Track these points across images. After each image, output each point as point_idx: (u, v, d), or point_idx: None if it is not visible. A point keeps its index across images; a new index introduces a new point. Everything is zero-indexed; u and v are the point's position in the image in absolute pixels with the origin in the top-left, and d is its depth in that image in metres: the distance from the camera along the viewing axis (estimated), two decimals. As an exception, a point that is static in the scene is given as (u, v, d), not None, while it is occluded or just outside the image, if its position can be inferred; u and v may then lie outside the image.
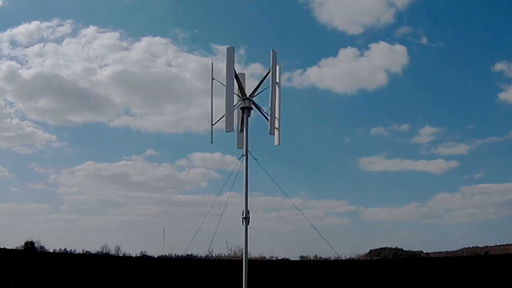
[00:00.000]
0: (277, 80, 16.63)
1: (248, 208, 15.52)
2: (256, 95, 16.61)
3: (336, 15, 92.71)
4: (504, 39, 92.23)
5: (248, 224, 15.44)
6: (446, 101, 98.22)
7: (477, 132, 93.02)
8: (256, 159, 15.94)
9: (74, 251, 56.22)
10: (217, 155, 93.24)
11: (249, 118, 16.50)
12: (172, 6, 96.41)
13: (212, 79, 16.61)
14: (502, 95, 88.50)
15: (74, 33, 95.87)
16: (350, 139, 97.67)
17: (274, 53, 16.37)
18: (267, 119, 16.37)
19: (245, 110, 16.38)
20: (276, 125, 16.23)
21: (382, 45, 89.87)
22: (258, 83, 16.73)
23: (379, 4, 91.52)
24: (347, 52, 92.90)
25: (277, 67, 16.76)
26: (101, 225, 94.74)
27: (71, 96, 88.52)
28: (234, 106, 16.31)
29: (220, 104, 16.32)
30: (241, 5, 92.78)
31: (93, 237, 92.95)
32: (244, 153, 15.91)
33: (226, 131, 15.81)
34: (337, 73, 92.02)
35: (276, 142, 16.34)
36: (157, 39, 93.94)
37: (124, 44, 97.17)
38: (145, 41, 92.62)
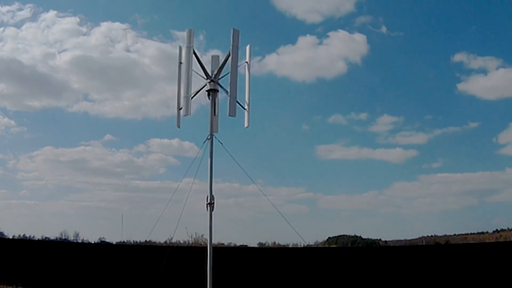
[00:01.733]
0: (247, 60, 16.61)
1: (213, 194, 15.41)
2: (222, 77, 16.42)
3: (296, 3, 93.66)
4: (464, 30, 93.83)
5: (213, 210, 15.36)
6: (405, 91, 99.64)
7: (436, 122, 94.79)
8: (221, 143, 15.85)
9: (34, 237, 56.02)
10: (175, 141, 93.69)
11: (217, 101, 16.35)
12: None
13: (180, 63, 16.36)
14: (461, 86, 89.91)
15: (34, 18, 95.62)
16: (309, 126, 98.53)
17: (236, 32, 16.18)
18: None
19: (211, 93, 16.21)
20: (246, 107, 16.08)
21: (342, 33, 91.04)
22: (220, 65, 16.52)
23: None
24: (306, 40, 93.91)
25: (248, 47, 16.79)
26: (60, 211, 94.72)
27: (30, 81, 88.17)
28: (201, 89, 16.33)
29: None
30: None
31: (52, 223, 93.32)
32: (209, 137, 15.76)
33: (184, 115, 15.86)
34: (296, 61, 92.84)
35: (246, 124, 16.17)
36: (116, 24, 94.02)
37: (84, 29, 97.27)
38: (104, 26, 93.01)
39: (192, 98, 16.05)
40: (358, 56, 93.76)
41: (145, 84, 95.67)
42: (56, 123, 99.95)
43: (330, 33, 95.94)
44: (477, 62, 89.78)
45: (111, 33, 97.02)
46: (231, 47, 16.05)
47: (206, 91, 16.32)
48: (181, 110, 16.04)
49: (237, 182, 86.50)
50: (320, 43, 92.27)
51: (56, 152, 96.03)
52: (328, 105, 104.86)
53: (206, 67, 16.41)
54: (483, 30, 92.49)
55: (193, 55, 16.12)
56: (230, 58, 15.96)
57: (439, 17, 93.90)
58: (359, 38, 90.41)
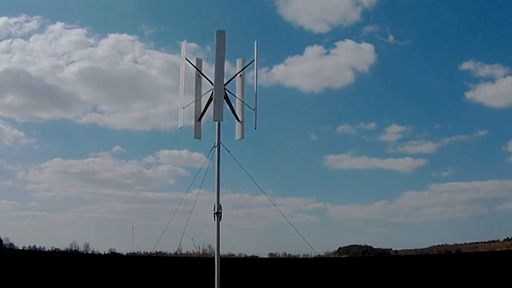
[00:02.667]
0: (254, 57, 16.43)
1: (220, 203, 15.20)
2: (228, 81, 16.17)
3: (302, 13, 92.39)
4: (471, 38, 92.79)
5: (220, 219, 15.15)
6: (413, 100, 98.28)
7: (445, 130, 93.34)
8: (228, 151, 15.58)
9: (44, 248, 55.77)
10: (184, 152, 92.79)
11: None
12: (139, 2, 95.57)
13: (185, 59, 16.30)
14: (469, 94, 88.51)
15: (41, 29, 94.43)
16: (317, 137, 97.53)
17: (220, 34, 15.86)
18: (233, 112, 16.27)
19: None
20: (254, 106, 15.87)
21: (349, 43, 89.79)
22: (236, 73, 16.48)
23: (346, 2, 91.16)
24: (313, 50, 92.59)
25: (255, 43, 16.66)
26: (69, 222, 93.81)
27: (38, 93, 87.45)
28: (205, 93, 16.15)
29: (190, 92, 16.36)
30: (207, 2, 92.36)
31: (62, 234, 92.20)
32: (216, 144, 15.51)
33: (214, 120, 15.54)
34: (304, 71, 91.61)
35: (253, 125, 15.90)
36: (124, 35, 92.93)
37: (91, 40, 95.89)
38: (112, 37, 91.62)
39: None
40: (365, 65, 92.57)
41: (154, 95, 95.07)
42: (65, 135, 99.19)
43: (337, 43, 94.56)
44: (484, 70, 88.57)
45: (118, 44, 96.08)
46: (255, 60, 16.10)
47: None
48: (198, 121, 16.00)
49: (247, 193, 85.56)
50: (328, 53, 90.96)
51: (65, 164, 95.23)
52: (337, 115, 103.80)
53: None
54: (490, 37, 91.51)
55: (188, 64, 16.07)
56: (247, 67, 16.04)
57: (446, 25, 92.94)
58: (367, 48, 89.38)
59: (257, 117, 15.90)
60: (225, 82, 15.97)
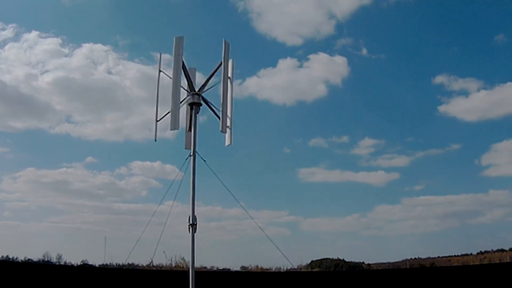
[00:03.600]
0: (229, 75, 16.16)
1: (195, 214, 14.84)
2: (206, 90, 15.97)
3: (276, 25, 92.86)
4: (444, 52, 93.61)
5: (195, 231, 14.76)
6: (386, 113, 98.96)
7: (418, 144, 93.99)
8: (204, 160, 15.26)
9: (16, 258, 55.40)
10: (157, 164, 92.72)
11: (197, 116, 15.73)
12: (113, 12, 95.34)
13: (160, 71, 15.83)
14: (442, 108, 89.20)
15: (16, 38, 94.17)
16: (290, 150, 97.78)
17: (227, 44, 15.78)
18: (218, 117, 15.78)
19: (194, 107, 15.65)
20: (228, 124, 15.65)
21: (322, 56, 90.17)
22: (207, 77, 16.09)
23: (319, 15, 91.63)
24: (286, 63, 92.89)
25: (230, 61, 16.32)
26: (42, 232, 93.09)
27: (13, 102, 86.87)
28: (182, 102, 15.55)
29: (165, 103, 15.61)
30: (181, 14, 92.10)
31: (35, 244, 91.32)
32: (191, 153, 15.20)
33: (172, 129, 14.99)
34: (276, 84, 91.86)
35: (227, 142, 15.81)
36: (98, 45, 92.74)
37: (66, 50, 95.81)
38: (86, 47, 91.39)
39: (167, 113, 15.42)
40: (339, 78, 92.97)
41: (127, 106, 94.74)
42: (38, 144, 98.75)
43: (310, 56, 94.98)
44: (458, 84, 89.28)
45: (92, 54, 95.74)
46: (222, 59, 15.67)
47: (189, 104, 15.87)
48: (170, 124, 15.18)
49: (219, 205, 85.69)
50: (301, 66, 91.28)
51: (39, 174, 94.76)
52: (309, 128, 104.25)
53: (192, 79, 15.98)
54: (464, 51, 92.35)
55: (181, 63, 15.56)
56: (222, 70, 15.62)
57: (420, 39, 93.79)
58: (340, 61, 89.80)
59: (232, 132, 15.81)
60: (198, 89, 15.87)
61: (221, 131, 15.41)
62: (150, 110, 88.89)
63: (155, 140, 15.64)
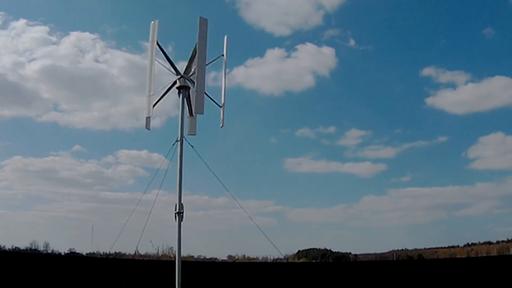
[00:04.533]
0: (223, 53, 16.08)
1: (182, 202, 14.42)
2: (192, 74, 15.32)
3: (264, 16, 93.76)
4: (432, 45, 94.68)
5: (181, 220, 14.35)
6: (373, 105, 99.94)
7: (405, 136, 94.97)
8: (192, 146, 14.84)
9: (4, 246, 55.34)
10: (144, 153, 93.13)
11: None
12: (101, 1, 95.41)
13: (157, 43, 15.19)
14: (429, 100, 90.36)
15: (4, 25, 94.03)
16: (277, 140, 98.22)
17: (203, 21, 15.13)
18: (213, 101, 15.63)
19: (182, 90, 15.22)
20: (221, 103, 15.59)
21: (310, 46, 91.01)
22: (189, 59, 15.62)
23: (308, 6, 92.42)
24: (274, 53, 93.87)
25: (225, 38, 16.32)
26: (30, 221, 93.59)
27: (0, 90, 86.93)
28: (171, 85, 15.38)
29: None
30: (168, 3, 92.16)
31: (22, 233, 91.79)
32: (178, 138, 14.68)
33: (196, 113, 15.14)
34: (264, 74, 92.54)
35: (221, 124, 15.67)
36: (86, 34, 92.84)
37: (53, 38, 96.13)
38: (74, 35, 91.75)
39: (162, 96, 15.42)
40: (326, 69, 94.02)
41: (114, 95, 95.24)
42: (25, 133, 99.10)
43: (298, 46, 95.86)
44: (445, 76, 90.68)
45: (80, 42, 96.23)
46: (197, 37, 15.07)
47: (177, 88, 15.41)
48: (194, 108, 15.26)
49: (206, 195, 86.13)
50: (288, 56, 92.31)
51: (25, 162, 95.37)
52: (296, 119, 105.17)
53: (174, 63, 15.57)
54: (452, 44, 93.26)
55: (159, 49, 15.23)
56: (197, 49, 14.94)
57: (408, 31, 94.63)
58: (327, 51, 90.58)
59: (224, 114, 15.63)
60: (183, 72, 15.52)
61: (195, 112, 15.29)
62: (137, 99, 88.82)
63: (148, 129, 15.53)
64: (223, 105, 15.61)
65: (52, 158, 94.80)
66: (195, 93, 14.69)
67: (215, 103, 15.65)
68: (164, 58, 15.58)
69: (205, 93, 14.91)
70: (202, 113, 14.66)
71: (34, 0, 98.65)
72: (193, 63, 15.37)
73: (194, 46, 15.22)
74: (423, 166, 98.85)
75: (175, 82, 15.36)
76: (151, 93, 14.90)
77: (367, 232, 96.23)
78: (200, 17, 15.06)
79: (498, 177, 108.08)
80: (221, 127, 15.64)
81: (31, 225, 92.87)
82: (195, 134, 15.70)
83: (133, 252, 29.41)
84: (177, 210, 14.38)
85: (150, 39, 15.21)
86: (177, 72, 15.37)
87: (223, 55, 16.03)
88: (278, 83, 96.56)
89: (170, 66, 15.51)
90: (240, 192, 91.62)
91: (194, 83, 15.15)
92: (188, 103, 15.60)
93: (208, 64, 15.59)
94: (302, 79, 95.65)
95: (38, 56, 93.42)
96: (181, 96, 15.21)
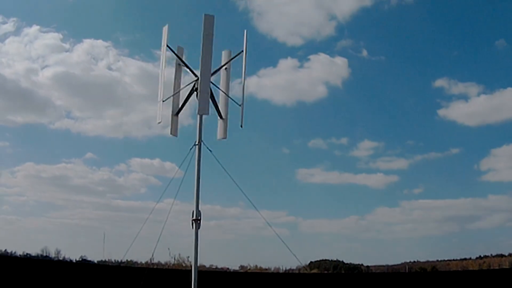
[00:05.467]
0: (243, 48, 15.51)
1: (200, 209, 14.17)
2: (214, 73, 15.02)
3: (277, 26, 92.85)
4: (445, 56, 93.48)
5: (199, 227, 14.07)
6: (386, 116, 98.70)
7: (417, 147, 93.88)
8: (210, 150, 14.47)
9: (15, 252, 55.33)
10: (156, 161, 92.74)
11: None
12: (115, 9, 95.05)
13: (167, 46, 15.02)
14: (441, 112, 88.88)
15: (17, 32, 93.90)
16: (289, 150, 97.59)
17: (208, 19, 14.70)
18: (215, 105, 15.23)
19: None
20: (240, 101, 15.15)
21: (323, 57, 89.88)
22: (220, 65, 15.51)
23: (320, 16, 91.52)
24: (287, 63, 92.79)
25: (245, 32, 15.80)
26: (41, 227, 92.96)
27: (13, 96, 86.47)
28: (186, 85, 15.03)
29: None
30: (182, 12, 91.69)
31: (34, 239, 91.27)
32: (197, 142, 14.33)
33: (199, 113, 14.32)
34: (277, 84, 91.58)
35: (240, 124, 15.05)
36: (99, 41, 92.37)
37: (66, 45, 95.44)
38: (87, 43, 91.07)
39: (182, 105, 15.06)
40: (339, 80, 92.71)
41: (127, 103, 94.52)
42: (38, 139, 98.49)
43: (310, 56, 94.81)
44: (458, 88, 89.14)
45: (93, 50, 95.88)
46: (202, 35, 14.61)
47: (195, 90, 14.89)
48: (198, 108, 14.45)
49: (219, 205, 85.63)
50: (301, 66, 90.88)
51: (38, 168, 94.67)
52: (309, 129, 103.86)
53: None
54: (464, 56, 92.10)
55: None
56: (201, 49, 14.44)
57: (420, 42, 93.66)
58: (340, 62, 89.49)
59: (243, 114, 15.13)
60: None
61: (199, 112, 14.58)
62: (150, 108, 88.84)
63: (159, 122, 15.02)
64: (243, 104, 15.19)
65: (64, 165, 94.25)
66: (200, 93, 14.40)
67: (235, 102, 15.33)
68: (180, 62, 15.43)
69: (226, 94, 15.02)
70: (207, 114, 14.39)
71: (47, 7, 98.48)
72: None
73: (232, 56, 15.35)
74: (435, 178, 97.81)
75: (194, 86, 14.95)
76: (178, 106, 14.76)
77: (379, 244, 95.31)
78: (205, 15, 14.77)
79: (511, 189, 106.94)
80: (241, 127, 15.12)
81: (42, 231, 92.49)
82: (225, 138, 15.37)
83: (145, 261, 29.44)
84: (195, 217, 14.11)
85: (163, 43, 15.06)
86: (195, 75, 14.98)
87: (242, 51, 15.52)
88: (291, 93, 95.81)
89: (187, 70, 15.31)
90: (253, 201, 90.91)
91: (213, 85, 15.01)
92: (215, 105, 15.29)
93: (230, 60, 15.66)
94: (315, 89, 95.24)
95: (51, 63, 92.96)
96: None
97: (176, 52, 15.32)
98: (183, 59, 15.46)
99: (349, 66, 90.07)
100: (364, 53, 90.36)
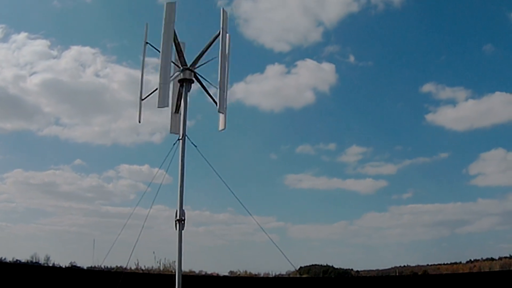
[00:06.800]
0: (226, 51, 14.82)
1: (184, 209, 13.43)
2: (199, 66, 14.63)
3: (263, 32, 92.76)
4: (432, 60, 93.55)
5: (183, 228, 13.34)
6: (374, 121, 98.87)
7: (405, 152, 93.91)
8: (195, 145, 13.98)
9: (5, 259, 55.15)
10: (145, 168, 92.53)
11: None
12: (102, 16, 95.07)
13: (146, 43, 14.87)
14: (429, 117, 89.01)
15: (5, 38, 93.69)
16: (277, 156, 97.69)
17: (225, 13, 14.72)
18: (212, 97, 14.75)
19: (185, 84, 14.36)
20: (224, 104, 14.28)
21: (310, 63, 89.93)
22: (201, 50, 14.80)
23: (307, 22, 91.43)
24: (274, 69, 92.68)
25: (227, 36, 15.03)
26: (31, 234, 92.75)
27: (1, 103, 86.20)
28: (171, 77, 14.19)
29: (151, 81, 14.62)
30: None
31: (23, 246, 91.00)
32: (180, 137, 13.87)
33: (159, 107, 13.42)
34: (264, 90, 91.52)
35: (221, 127, 14.54)
36: (86, 48, 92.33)
37: (54, 52, 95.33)
38: (75, 49, 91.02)
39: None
40: (326, 85, 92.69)
41: (115, 109, 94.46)
42: (26, 146, 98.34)
43: (298, 62, 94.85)
44: (445, 93, 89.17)
45: (81, 57, 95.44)
46: (221, 30, 14.61)
47: (179, 80, 14.57)
48: (157, 102, 13.62)
49: (208, 210, 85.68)
50: (289, 72, 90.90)
51: (26, 175, 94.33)
52: (296, 135, 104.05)
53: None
54: (452, 60, 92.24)
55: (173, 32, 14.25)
56: (220, 42, 14.40)
57: (408, 47, 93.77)
58: (327, 68, 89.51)
59: (226, 116, 14.54)
60: (190, 65, 14.64)
61: (219, 111, 14.20)
62: (137, 114, 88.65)
63: (139, 122, 14.57)
64: (225, 107, 14.57)
65: (53, 172, 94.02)
66: (218, 90, 14.07)
67: (212, 84, 14.84)
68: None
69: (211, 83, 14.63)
70: (167, 106, 13.78)
71: (35, 14, 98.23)
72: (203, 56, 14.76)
73: (211, 40, 14.83)
74: (424, 182, 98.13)
75: (178, 74, 14.66)
76: (168, 80, 13.96)
77: (368, 249, 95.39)
78: (167, 3, 14.23)
79: (500, 193, 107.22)
80: (221, 130, 14.59)
81: (32, 238, 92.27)
82: (225, 128, 14.66)
83: (133, 267, 29.30)
84: (178, 217, 13.43)
85: (165, 21, 14.25)
86: (182, 64, 14.55)
87: (219, 32, 14.93)
88: (278, 99, 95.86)
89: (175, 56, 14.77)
90: (241, 208, 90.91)
91: (200, 77, 14.70)
92: (210, 96, 14.86)
93: (209, 46, 15.00)
94: (302, 95, 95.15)
95: (39, 70, 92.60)
96: (184, 90, 14.43)
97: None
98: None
99: (337, 71, 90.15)
100: (352, 58, 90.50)
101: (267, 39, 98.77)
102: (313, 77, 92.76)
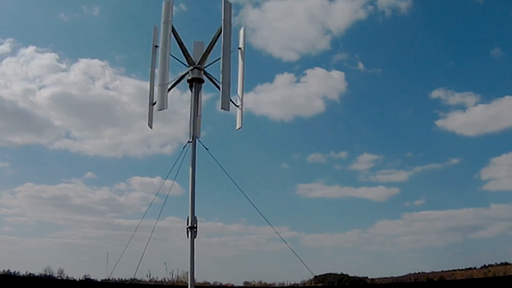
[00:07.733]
0: (240, 46, 14.81)
1: (196, 215, 12.97)
2: (209, 64, 14.22)
3: (271, 41, 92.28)
4: (441, 66, 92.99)
5: (195, 236, 12.87)
6: (384, 128, 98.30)
7: (416, 159, 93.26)
8: (206, 148, 13.58)
9: (18, 273, 55.09)
10: (156, 180, 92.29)
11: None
12: (110, 28, 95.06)
13: (156, 46, 14.47)
14: (440, 123, 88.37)
15: (13, 52, 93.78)
16: (288, 165, 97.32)
17: (228, 5, 14.17)
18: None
19: (194, 84, 13.92)
20: (238, 102, 14.10)
21: (319, 71, 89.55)
22: (206, 47, 14.39)
23: (314, 31, 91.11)
24: (283, 78, 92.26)
25: (241, 30, 15.01)
26: (43, 248, 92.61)
27: (11, 117, 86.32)
28: (180, 79, 14.12)
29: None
30: (177, 29, 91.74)
31: (36, 259, 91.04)
32: (191, 139, 13.49)
33: (159, 109, 13.41)
34: (274, 100, 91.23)
35: (238, 125, 14.08)
36: (95, 61, 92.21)
37: (63, 65, 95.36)
38: (83, 62, 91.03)
39: (169, 89, 13.84)
40: (336, 93, 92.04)
41: (125, 122, 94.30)
42: (37, 160, 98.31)
43: (307, 71, 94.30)
44: (455, 98, 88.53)
45: (90, 69, 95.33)
46: (222, 23, 14.01)
47: (188, 80, 14.08)
48: (155, 106, 13.80)
49: (221, 222, 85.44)
50: (298, 81, 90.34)
51: (37, 189, 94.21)
52: (307, 144, 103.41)
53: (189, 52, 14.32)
54: (460, 65, 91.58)
55: (172, 34, 14.04)
56: (222, 37, 13.92)
57: (416, 53, 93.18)
58: (337, 75, 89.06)
59: (242, 113, 14.22)
60: (198, 63, 14.21)
61: (222, 108, 13.43)
62: (148, 127, 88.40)
63: (151, 128, 14.40)
64: (241, 103, 14.24)
65: (65, 185, 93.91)
66: (221, 87, 13.58)
67: (232, 102, 14.14)
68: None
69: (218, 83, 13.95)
70: (166, 108, 13.46)
71: (43, 27, 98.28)
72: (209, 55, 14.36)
73: (215, 34, 14.39)
74: (436, 189, 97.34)
75: (187, 73, 14.21)
76: (167, 81, 13.65)
77: (382, 256, 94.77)
78: (164, 1, 14.13)
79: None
80: (238, 129, 14.14)
81: (45, 251, 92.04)
82: (241, 127, 14.24)
83: (145, 278, 29.20)
84: (190, 224, 12.97)
85: (163, 19, 14.20)
86: (190, 63, 14.16)
87: (240, 48, 14.84)
88: (288, 108, 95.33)
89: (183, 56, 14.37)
90: (254, 218, 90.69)
91: (209, 75, 14.28)
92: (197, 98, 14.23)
93: (214, 40, 14.60)
94: (312, 104, 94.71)
95: (48, 83, 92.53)
96: (193, 90, 13.97)
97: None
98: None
99: (346, 79, 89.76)
100: (360, 66, 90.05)
101: (275, 48, 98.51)
102: (323, 85, 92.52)
